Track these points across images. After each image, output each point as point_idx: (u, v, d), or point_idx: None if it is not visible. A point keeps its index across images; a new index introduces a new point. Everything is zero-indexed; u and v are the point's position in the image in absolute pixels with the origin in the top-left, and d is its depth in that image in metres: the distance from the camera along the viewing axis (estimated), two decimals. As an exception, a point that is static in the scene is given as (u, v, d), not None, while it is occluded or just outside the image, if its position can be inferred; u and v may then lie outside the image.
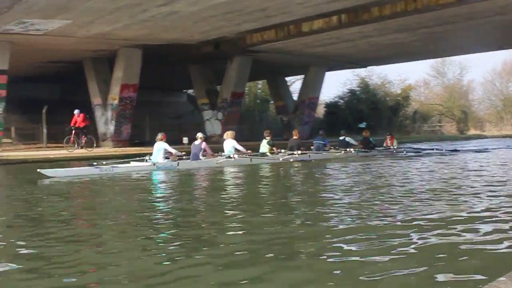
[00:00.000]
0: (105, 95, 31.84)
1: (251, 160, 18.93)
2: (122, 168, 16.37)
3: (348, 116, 48.59)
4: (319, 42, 30.38)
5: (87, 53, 31.22)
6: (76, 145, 26.36)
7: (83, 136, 27.01)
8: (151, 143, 18.94)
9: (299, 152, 20.31)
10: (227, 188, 11.67)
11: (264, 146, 20.62)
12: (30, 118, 33.48)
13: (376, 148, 23.69)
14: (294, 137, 21.64)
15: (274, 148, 20.56)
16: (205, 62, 35.31)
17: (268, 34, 27.89)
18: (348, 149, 22.24)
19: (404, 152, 23.37)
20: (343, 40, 30.19)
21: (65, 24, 23.95)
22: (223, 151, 19.46)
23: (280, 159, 19.35)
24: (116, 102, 31.24)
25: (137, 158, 17.99)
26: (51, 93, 39.73)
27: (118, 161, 18.05)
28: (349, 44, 31.56)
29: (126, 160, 17.97)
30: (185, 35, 27.64)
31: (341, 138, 23.56)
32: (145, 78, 31.75)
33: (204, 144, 18.49)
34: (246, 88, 41.56)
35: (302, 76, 43.26)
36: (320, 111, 52.47)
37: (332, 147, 22.56)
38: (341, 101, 52.46)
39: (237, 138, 20.33)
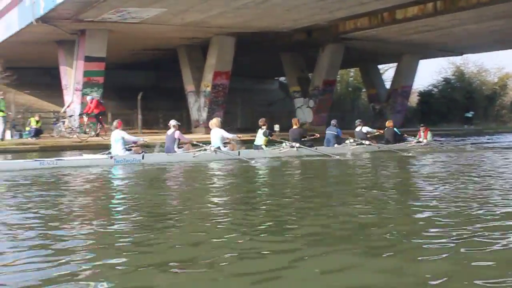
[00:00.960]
0: (198, 82, 32.31)
1: (239, 153, 15.70)
2: (68, 161, 13.62)
3: (442, 105, 47.28)
4: (413, 30, 29.64)
5: (181, 41, 31.76)
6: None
7: (98, 123, 26.15)
8: (242, 130, 18.30)
9: (297, 145, 16.96)
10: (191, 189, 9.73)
11: (259, 138, 17.37)
12: (126, 104, 34.41)
13: (405, 140, 20.97)
14: (294, 127, 18.03)
15: (274, 138, 17.50)
16: (297, 50, 35.25)
17: (362, 21, 27.49)
18: (365, 142, 19.26)
19: (441, 144, 20.91)
20: (438, 27, 29.32)
21: (160, 12, 24.44)
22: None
23: (280, 151, 16.74)
24: (209, 89, 31.65)
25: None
26: (146, 80, 40.71)
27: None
28: (444, 31, 30.62)
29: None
30: (278, 23, 27.63)
31: (357, 129, 20.05)
32: (237, 65, 32.01)
33: (177, 133, 15.57)
34: (338, 76, 41.20)
35: (395, 64, 42.40)
36: (413, 100, 51.26)
37: (349, 140, 19.45)
38: (435, 89, 51.05)
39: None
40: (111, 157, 14.06)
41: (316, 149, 17.13)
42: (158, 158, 14.80)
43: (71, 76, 29.42)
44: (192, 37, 30.60)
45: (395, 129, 20.97)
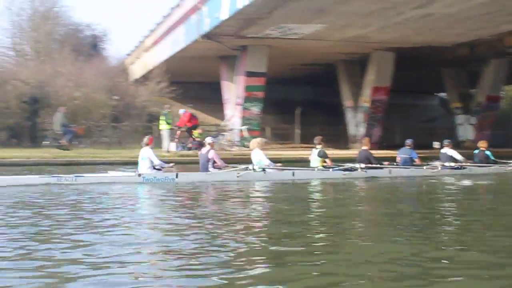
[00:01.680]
0: (356, 98, 32.11)
1: (293, 174, 14.40)
2: (89, 178, 12.71)
3: None
4: None
5: (339, 56, 31.79)
6: (180, 147, 25.07)
7: (190, 137, 25.48)
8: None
9: (362, 166, 15.25)
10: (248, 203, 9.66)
11: (314, 159, 15.51)
12: (284, 118, 34.93)
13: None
14: (364, 148, 16.41)
15: (328, 161, 15.44)
16: (459, 65, 34.03)
17: (530, 35, 26.02)
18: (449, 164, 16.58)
19: None
20: None
21: (321, 28, 24.63)
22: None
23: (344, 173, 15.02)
24: (367, 104, 31.36)
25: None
26: (304, 94, 41.07)
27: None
28: None
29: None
30: (439, 38, 26.83)
31: (442, 151, 17.52)
32: (396, 80, 31.44)
33: (212, 153, 14.23)
34: (502, 92, 39.19)
35: None
36: None
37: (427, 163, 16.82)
38: None
39: (491, 145, 18.59)
40: (139, 175, 13.13)
41: (390, 171, 15.61)
42: (193, 177, 13.76)
43: (232, 91, 30.38)
44: (351, 53, 30.51)
45: (487, 152, 17.64)
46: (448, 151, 17.25)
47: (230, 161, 17.17)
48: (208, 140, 14.77)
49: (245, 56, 28.60)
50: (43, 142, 24.93)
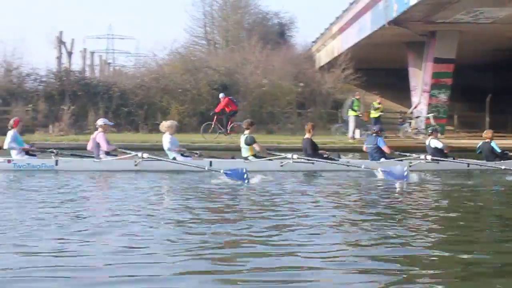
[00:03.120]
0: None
1: (211, 164, 12.46)
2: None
3: None
4: None
5: (536, 40, 29.82)
6: (217, 133, 23.76)
7: (229, 122, 23.88)
8: None
9: (295, 156, 13.34)
10: None
11: (243, 148, 13.62)
12: (472, 106, 33.51)
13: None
14: (307, 135, 14.41)
15: (256, 147, 13.38)
16: None
17: None
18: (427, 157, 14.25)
19: None
20: None
21: (515, 11, 23.29)
22: None
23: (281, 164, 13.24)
24: None
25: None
26: (495, 81, 38.96)
27: None
28: None
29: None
30: None
31: (427, 141, 15.36)
32: None
33: (100, 136, 12.74)
34: None
35: None
36: None
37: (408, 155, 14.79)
38: None
39: None
40: (9, 161, 12.07)
41: (349, 163, 13.60)
42: (78, 164, 12.51)
43: (419, 78, 29.61)
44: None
45: (492, 143, 15.05)
46: (431, 141, 14.99)
47: (411, 150, 16.84)
48: (99, 122, 13.23)
49: (434, 42, 27.71)
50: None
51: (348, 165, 13.38)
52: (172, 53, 33.82)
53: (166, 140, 13.34)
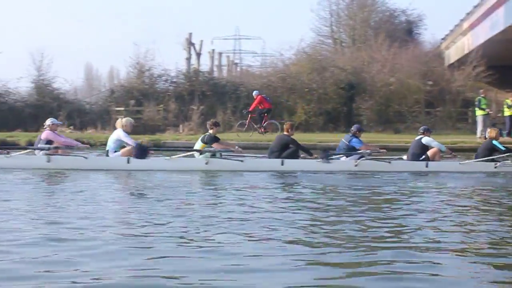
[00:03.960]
0: None
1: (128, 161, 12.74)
2: None
3: None
4: None
5: None
6: (252, 130, 24.36)
7: (263, 120, 24.28)
8: None
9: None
10: None
11: (198, 143, 13.67)
12: None
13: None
14: (285, 133, 14.12)
15: (217, 145, 13.24)
16: None
17: None
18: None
19: None
20: None
21: None
22: None
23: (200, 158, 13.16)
24: None
25: None
26: None
27: None
28: None
29: None
30: None
31: (417, 137, 14.63)
32: None
33: (46, 134, 13.01)
34: None
35: None
36: None
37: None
38: None
39: None
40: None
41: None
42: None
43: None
44: None
45: (494, 142, 14.24)
46: (423, 139, 14.38)
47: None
48: (47, 122, 13.34)
49: None
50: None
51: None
52: (299, 52, 34.01)
53: (117, 135, 13.41)
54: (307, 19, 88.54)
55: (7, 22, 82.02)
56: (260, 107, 24.40)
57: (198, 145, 13.45)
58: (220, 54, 40.55)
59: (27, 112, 28.18)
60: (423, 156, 14.01)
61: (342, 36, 42.96)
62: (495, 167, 13.74)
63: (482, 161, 13.92)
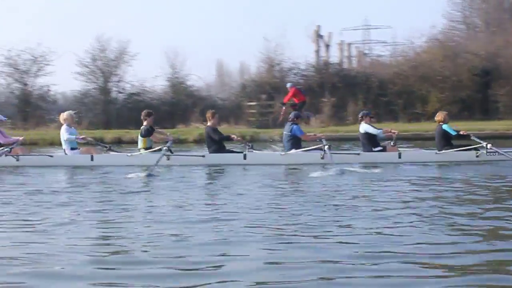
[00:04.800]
0: None
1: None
2: None
3: None
4: None
5: None
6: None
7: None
8: None
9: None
10: None
11: (139, 139, 13.67)
12: None
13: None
14: (208, 123, 13.82)
15: (152, 137, 13.46)
16: None
17: None
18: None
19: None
20: None
21: None
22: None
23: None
24: None
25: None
26: None
27: None
28: None
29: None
30: None
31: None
32: None
33: None
34: None
35: None
36: None
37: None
38: None
39: None
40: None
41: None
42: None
43: None
44: None
45: (444, 126, 13.17)
46: (361, 126, 13.68)
47: None
48: None
49: None
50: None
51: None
52: (430, 40, 33.20)
53: (62, 131, 13.56)
54: (438, 5, 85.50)
55: (142, 23, 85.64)
56: (295, 100, 24.05)
57: (140, 140, 13.61)
58: (349, 45, 40.21)
59: (163, 110, 29.45)
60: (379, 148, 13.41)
61: (475, 21, 41.46)
62: (477, 156, 12.78)
63: (462, 150, 12.95)
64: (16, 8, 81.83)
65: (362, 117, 13.69)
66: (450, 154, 12.78)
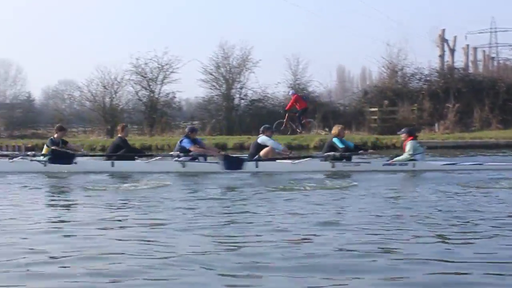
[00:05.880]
0: None
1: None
2: None
3: None
4: None
5: None
6: (290, 131, 25.21)
7: (301, 120, 25.31)
8: None
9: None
10: None
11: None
12: None
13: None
14: (119, 134, 14.91)
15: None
16: None
17: None
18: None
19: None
20: None
21: None
22: None
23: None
24: None
25: None
26: None
27: None
28: None
29: None
30: None
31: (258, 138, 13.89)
32: None
33: None
34: None
35: None
36: None
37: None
38: None
39: None
40: None
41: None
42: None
43: None
44: None
45: (335, 139, 13.44)
46: (259, 138, 13.83)
47: None
48: None
49: None
50: None
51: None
52: None
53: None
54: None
55: (264, 30, 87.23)
56: (297, 107, 24.95)
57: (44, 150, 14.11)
58: (475, 49, 39.08)
59: (284, 116, 29.91)
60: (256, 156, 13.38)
61: None
62: (333, 167, 12.84)
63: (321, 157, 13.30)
64: (144, 23, 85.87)
65: (263, 131, 13.88)
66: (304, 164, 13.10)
